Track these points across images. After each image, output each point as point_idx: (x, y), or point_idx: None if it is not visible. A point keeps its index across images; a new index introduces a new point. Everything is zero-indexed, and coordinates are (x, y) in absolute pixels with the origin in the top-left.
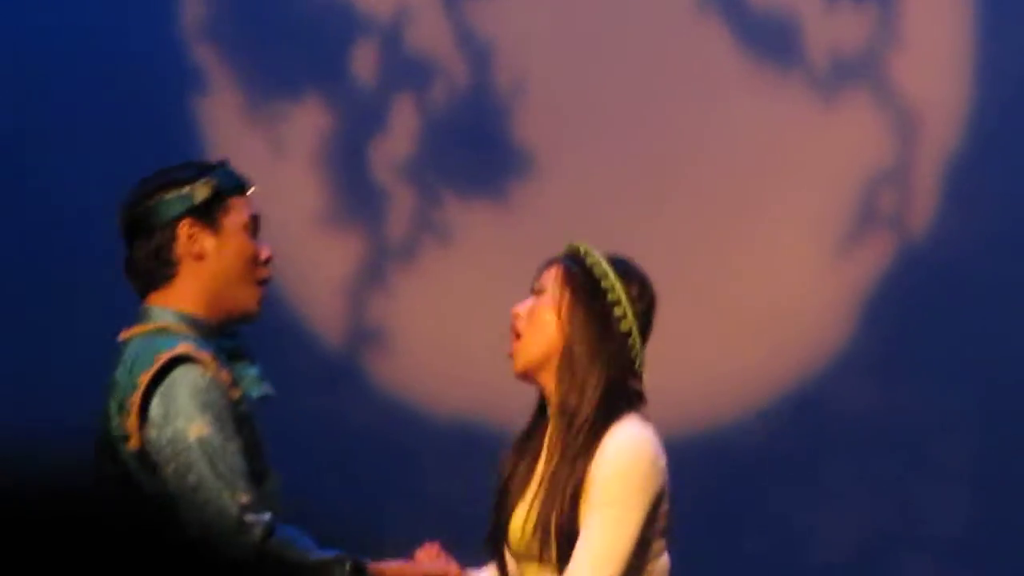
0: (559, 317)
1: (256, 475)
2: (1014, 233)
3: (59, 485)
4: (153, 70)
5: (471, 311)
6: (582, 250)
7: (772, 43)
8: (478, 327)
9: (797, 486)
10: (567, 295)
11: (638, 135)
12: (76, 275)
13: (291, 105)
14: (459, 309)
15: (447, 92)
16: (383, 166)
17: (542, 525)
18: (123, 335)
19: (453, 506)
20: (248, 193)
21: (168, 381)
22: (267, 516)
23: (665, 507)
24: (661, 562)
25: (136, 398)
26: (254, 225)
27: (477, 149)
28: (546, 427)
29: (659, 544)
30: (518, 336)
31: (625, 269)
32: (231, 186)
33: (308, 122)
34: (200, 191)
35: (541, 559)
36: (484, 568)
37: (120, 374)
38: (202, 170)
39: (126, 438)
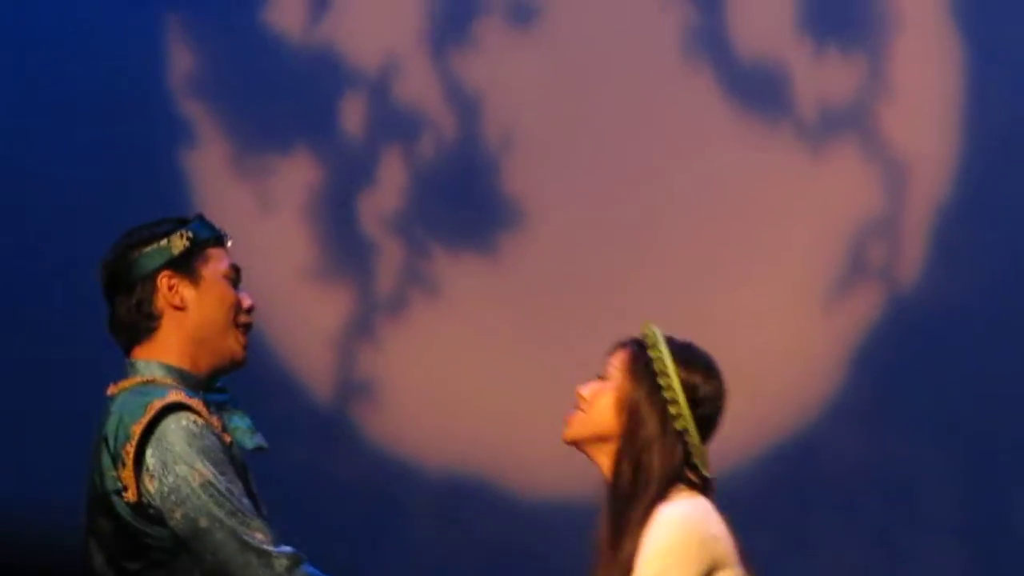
0: (617, 404)
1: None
2: (1002, 284)
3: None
4: (142, 123)
5: (460, 364)
6: (649, 338)
7: (760, 94)
8: (467, 380)
9: (786, 535)
10: (627, 385)
11: (626, 187)
12: (56, 346)
13: (280, 158)
14: (448, 362)
15: (435, 145)
16: (372, 219)
17: None
18: (111, 390)
19: (443, 558)
20: (226, 244)
21: (160, 430)
22: (290, 549)
23: (727, 574)
24: None
25: (130, 448)
26: (235, 274)
27: (465, 201)
28: None
29: None
30: (578, 408)
31: (688, 360)
32: (208, 236)
33: (296, 175)
34: (177, 242)
35: None
36: None
37: (110, 427)
38: (178, 223)
39: (122, 490)
